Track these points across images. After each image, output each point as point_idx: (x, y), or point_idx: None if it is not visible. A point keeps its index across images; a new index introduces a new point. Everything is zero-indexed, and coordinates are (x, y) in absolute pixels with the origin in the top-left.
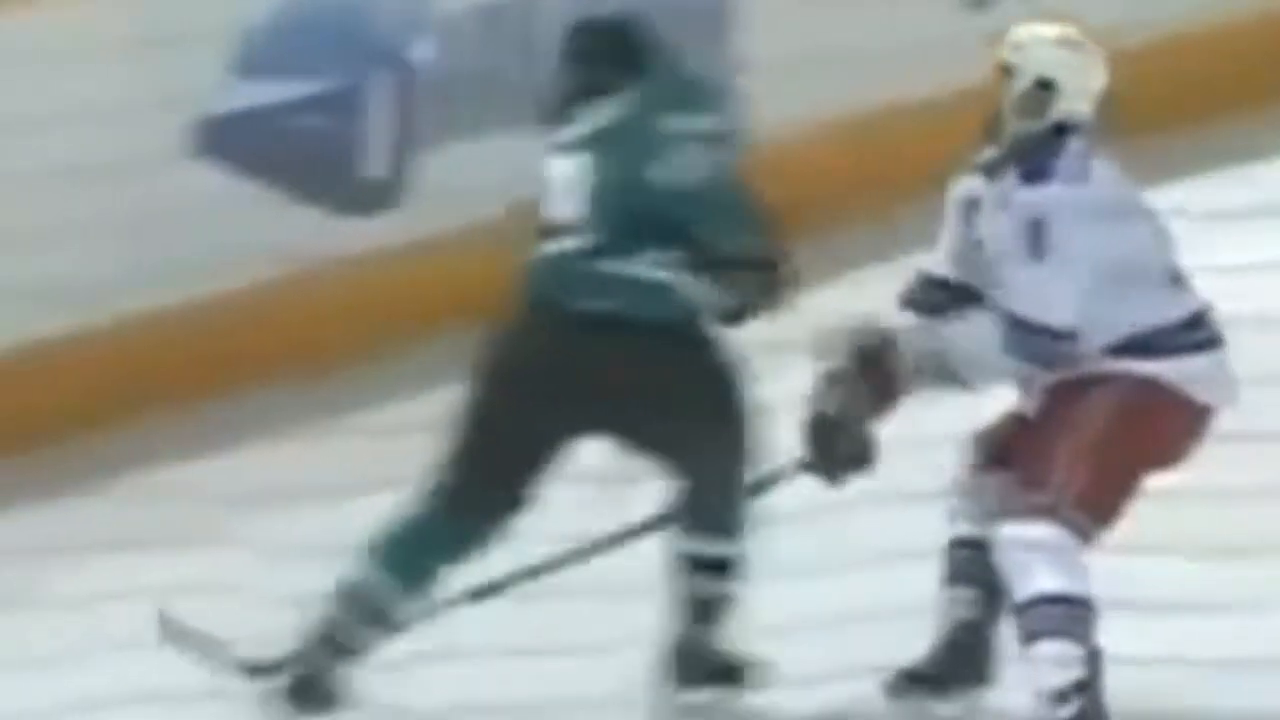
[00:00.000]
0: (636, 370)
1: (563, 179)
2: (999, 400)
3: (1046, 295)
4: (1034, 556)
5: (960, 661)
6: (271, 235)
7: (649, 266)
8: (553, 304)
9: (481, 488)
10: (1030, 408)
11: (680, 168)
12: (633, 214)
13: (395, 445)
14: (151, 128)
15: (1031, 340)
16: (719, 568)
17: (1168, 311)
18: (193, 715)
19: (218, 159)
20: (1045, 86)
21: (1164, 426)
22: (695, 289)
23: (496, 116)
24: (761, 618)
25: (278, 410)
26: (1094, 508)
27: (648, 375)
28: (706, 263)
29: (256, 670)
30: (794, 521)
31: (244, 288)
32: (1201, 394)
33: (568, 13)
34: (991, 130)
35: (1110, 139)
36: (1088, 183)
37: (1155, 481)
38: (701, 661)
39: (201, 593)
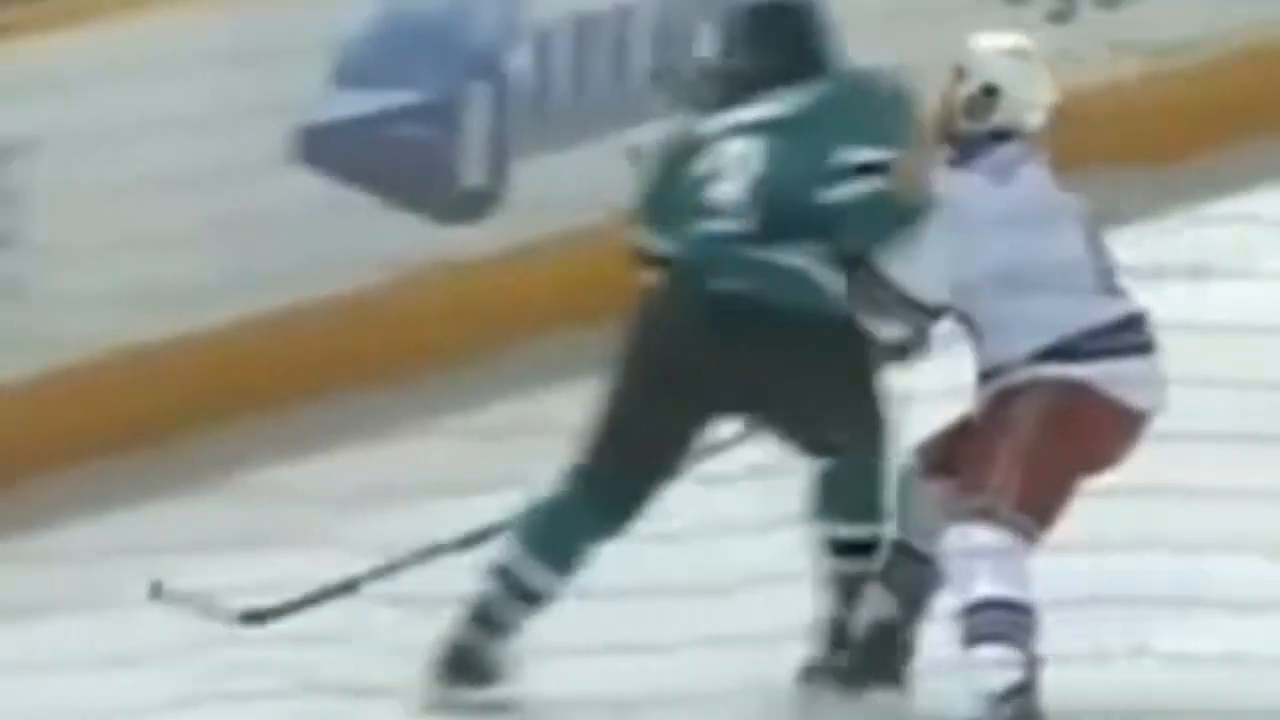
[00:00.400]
0: (778, 355)
1: (727, 161)
2: (945, 410)
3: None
4: (976, 561)
5: (873, 661)
6: (371, 241)
7: (796, 253)
8: (698, 283)
9: (623, 464)
10: (975, 414)
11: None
12: (791, 209)
13: (491, 447)
14: (254, 135)
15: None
16: (862, 550)
17: (1096, 315)
18: (291, 714)
19: (319, 166)
20: (989, 93)
21: (1095, 429)
22: (837, 283)
23: (589, 125)
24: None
25: (376, 413)
26: (1033, 509)
27: (789, 360)
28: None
29: (251, 618)
30: None
31: (344, 292)
32: (1132, 398)
33: (659, 22)
34: (942, 130)
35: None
36: (1008, 185)
37: (1233, 479)
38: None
39: (300, 592)
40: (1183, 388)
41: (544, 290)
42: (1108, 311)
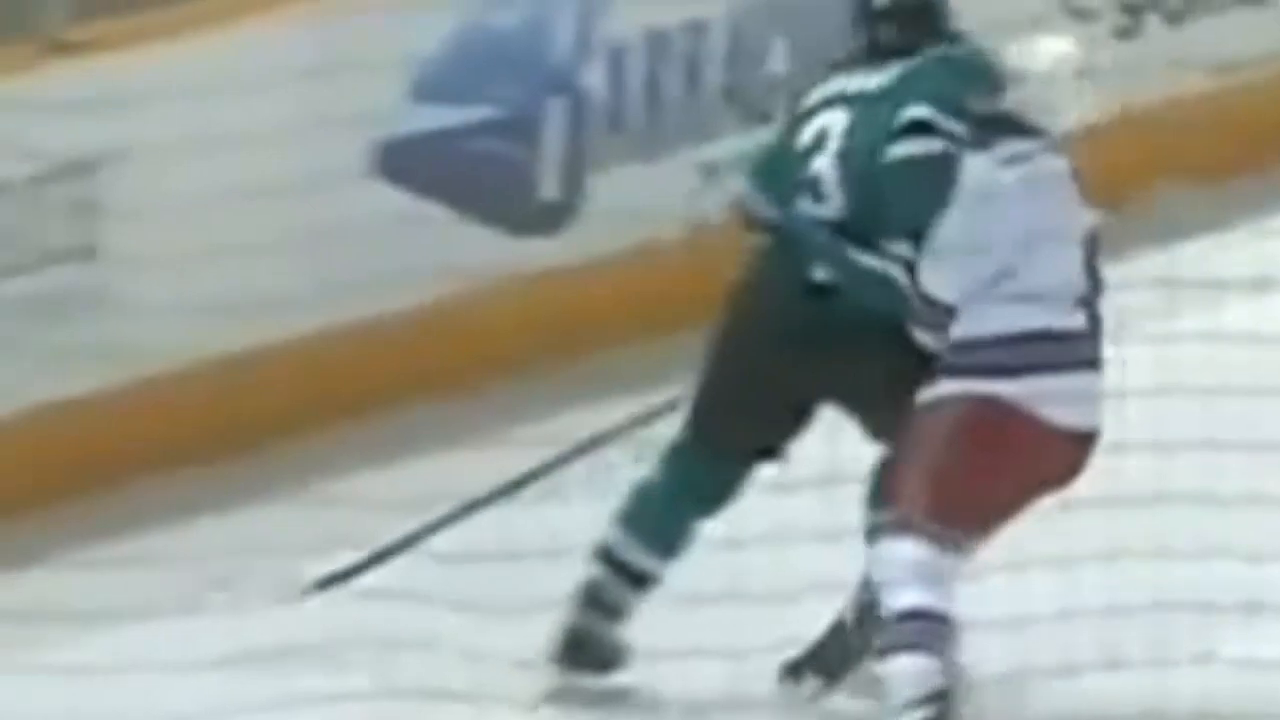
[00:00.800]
0: (858, 347)
1: (820, 134)
2: None
3: (938, 265)
4: (896, 573)
5: (822, 654)
6: (448, 253)
7: (882, 255)
8: (795, 266)
9: (719, 443)
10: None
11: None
12: (867, 185)
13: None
14: (334, 149)
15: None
16: None
17: (1045, 320)
18: (369, 716)
19: (397, 180)
20: (1012, 77)
21: (1015, 443)
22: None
23: (662, 139)
24: None
25: (452, 422)
26: (947, 517)
27: (868, 353)
28: None
29: (326, 583)
30: None
31: (421, 304)
32: (1059, 415)
33: (731, 39)
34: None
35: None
36: (1014, 170)
37: None
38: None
39: (378, 598)
40: (1246, 399)
41: (618, 302)
42: (1058, 321)
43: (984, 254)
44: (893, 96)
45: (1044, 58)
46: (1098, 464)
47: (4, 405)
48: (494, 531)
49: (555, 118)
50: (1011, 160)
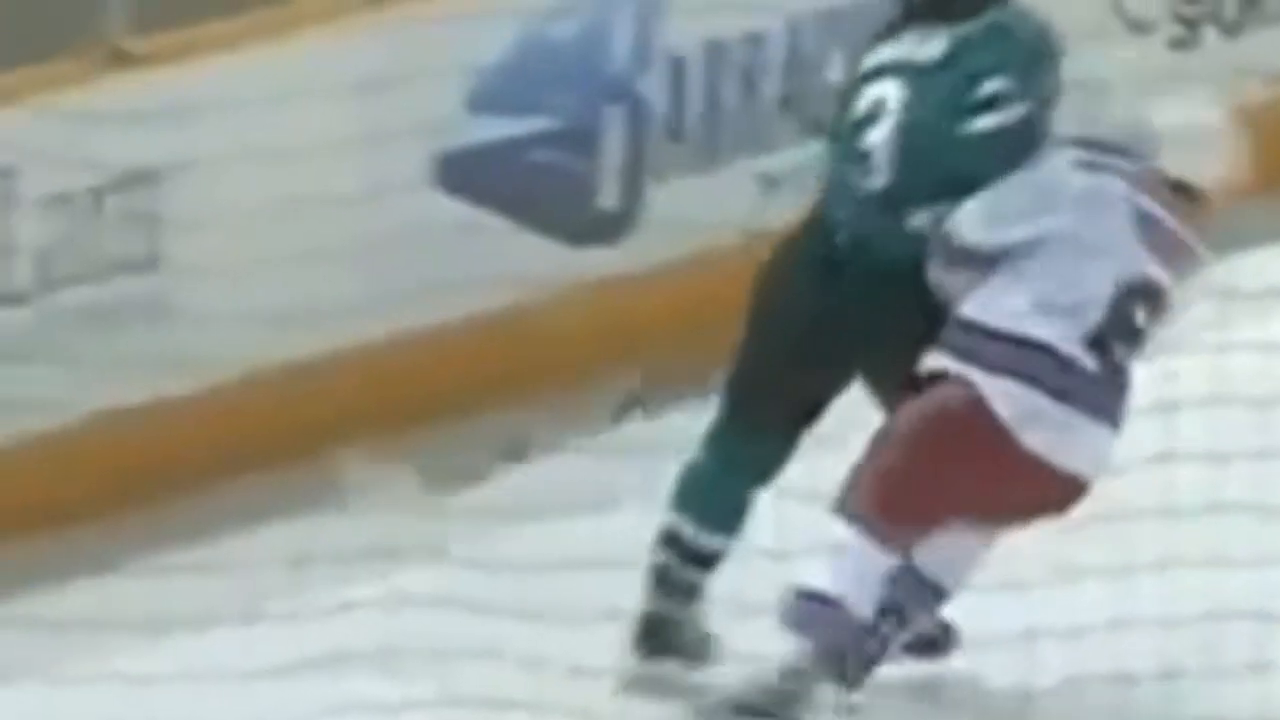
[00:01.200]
0: (879, 314)
1: (874, 105)
2: None
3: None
4: (823, 551)
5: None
6: (507, 262)
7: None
8: (818, 234)
9: (760, 416)
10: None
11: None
12: (929, 160)
13: (625, 464)
14: (393, 159)
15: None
16: None
17: (1019, 324)
18: None
19: (457, 190)
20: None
21: (982, 458)
22: None
23: (721, 149)
24: None
25: (512, 431)
26: (892, 515)
27: (897, 314)
28: None
29: None
30: None
31: (480, 313)
32: (1037, 444)
33: (789, 49)
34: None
35: None
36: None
37: None
38: None
39: (439, 606)
40: None
41: (675, 310)
42: (1063, 344)
43: (1024, 219)
44: (954, 67)
45: (1192, 128)
46: (1152, 474)
47: (67, 414)
48: (554, 540)
49: (614, 128)
50: (1086, 166)
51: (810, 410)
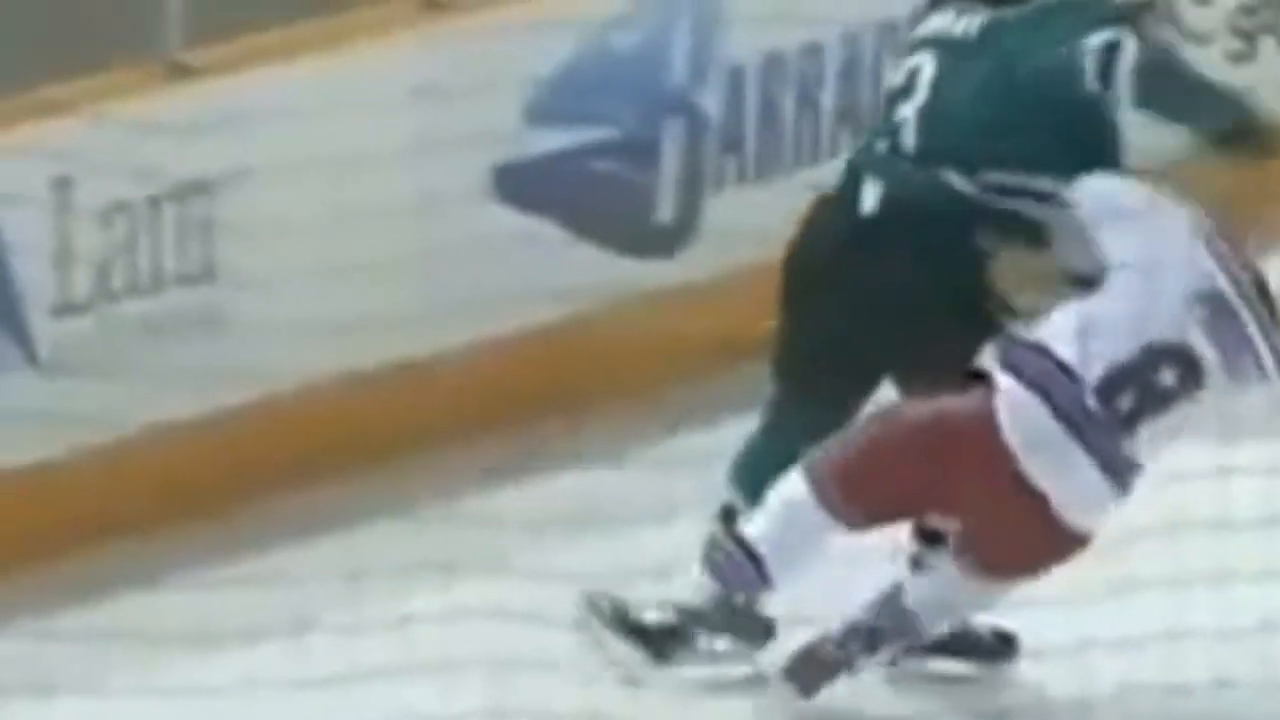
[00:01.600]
0: (902, 259)
1: (910, 78)
2: None
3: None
4: (770, 496)
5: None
6: (566, 274)
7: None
8: (858, 207)
9: (808, 390)
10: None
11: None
12: (949, 138)
13: (681, 476)
14: (452, 169)
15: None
16: None
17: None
18: None
19: (515, 201)
20: None
21: (960, 466)
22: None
23: (778, 160)
24: None
25: (568, 443)
26: (839, 482)
27: (913, 268)
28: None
29: None
30: None
31: (538, 324)
32: (1030, 462)
33: (846, 61)
34: None
35: None
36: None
37: None
38: None
39: (491, 618)
40: None
41: (734, 322)
42: (1077, 364)
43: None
44: (987, 48)
45: None
46: (1207, 487)
47: (122, 425)
48: (606, 553)
49: (672, 139)
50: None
51: (858, 382)
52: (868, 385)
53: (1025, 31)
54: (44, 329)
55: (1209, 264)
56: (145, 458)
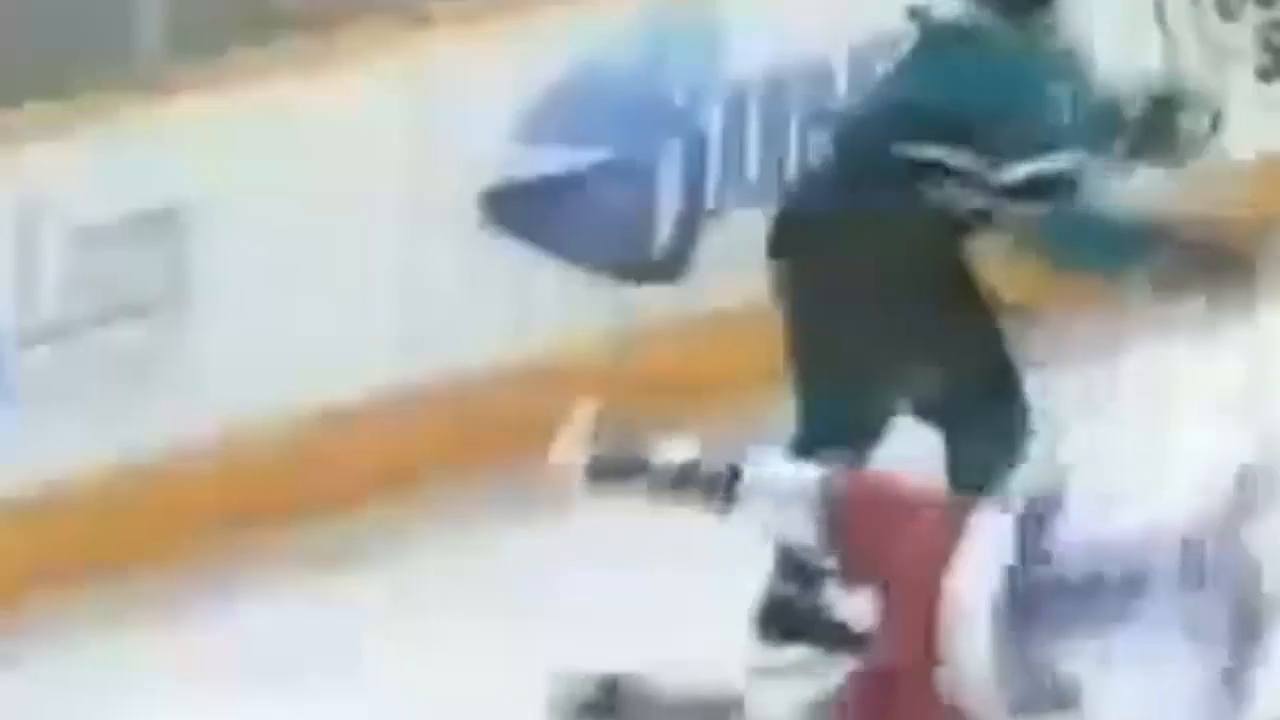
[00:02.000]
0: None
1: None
2: None
3: None
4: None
5: None
6: (562, 302)
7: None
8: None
9: (833, 383)
10: None
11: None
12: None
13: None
14: (441, 195)
15: None
16: None
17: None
18: None
19: (507, 227)
20: None
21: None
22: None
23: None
24: None
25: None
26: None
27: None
28: None
29: None
30: None
31: (532, 355)
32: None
33: (851, 80)
34: None
35: None
36: None
37: None
38: None
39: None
40: None
41: (735, 350)
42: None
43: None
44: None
45: None
46: None
47: (93, 458)
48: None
49: (672, 162)
50: None
51: (885, 371)
52: (895, 377)
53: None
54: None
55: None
56: (116, 491)
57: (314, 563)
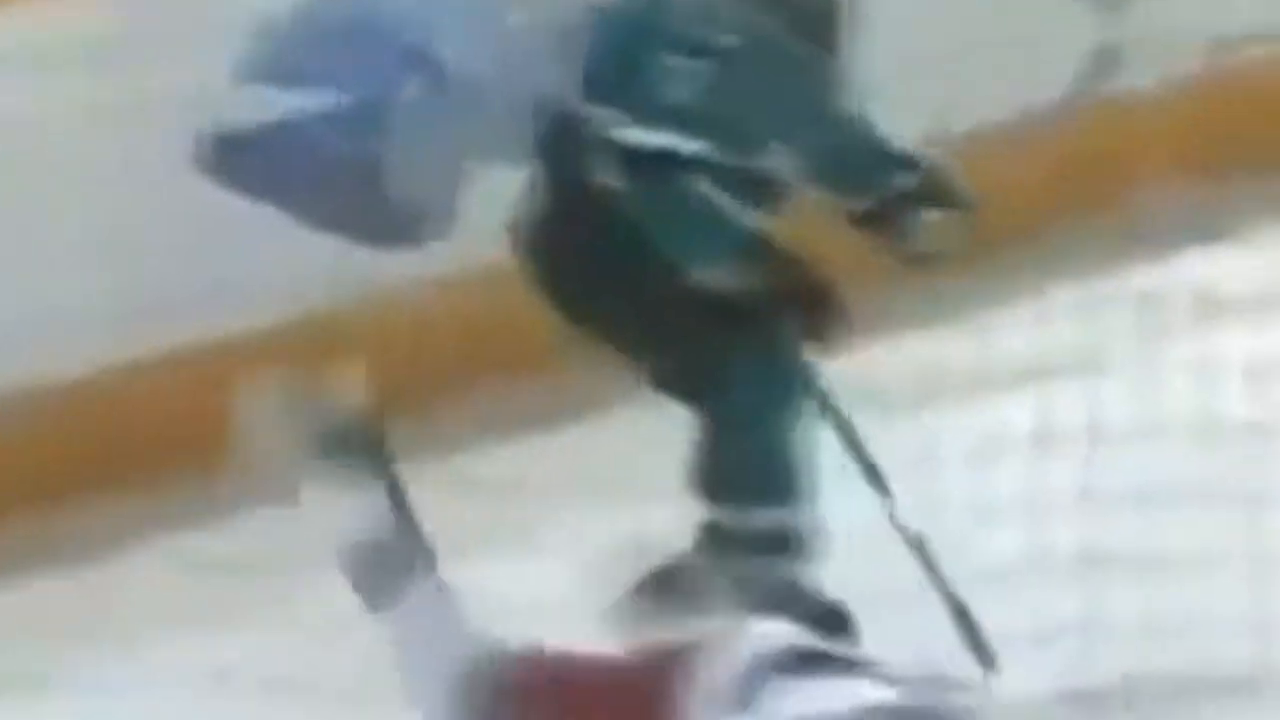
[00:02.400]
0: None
1: None
2: None
3: None
4: None
5: None
6: (291, 265)
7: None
8: None
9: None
10: None
11: None
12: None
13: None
14: (147, 137)
15: None
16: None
17: None
18: None
19: (224, 177)
20: None
21: None
22: None
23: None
24: None
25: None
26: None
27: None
28: None
29: None
30: None
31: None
32: None
33: None
34: None
35: None
36: None
37: None
38: None
39: None
40: None
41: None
42: None
43: None
44: None
45: None
46: None
47: None
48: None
49: (410, 101)
50: None
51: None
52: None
53: None
54: None
55: None
56: None
57: None
